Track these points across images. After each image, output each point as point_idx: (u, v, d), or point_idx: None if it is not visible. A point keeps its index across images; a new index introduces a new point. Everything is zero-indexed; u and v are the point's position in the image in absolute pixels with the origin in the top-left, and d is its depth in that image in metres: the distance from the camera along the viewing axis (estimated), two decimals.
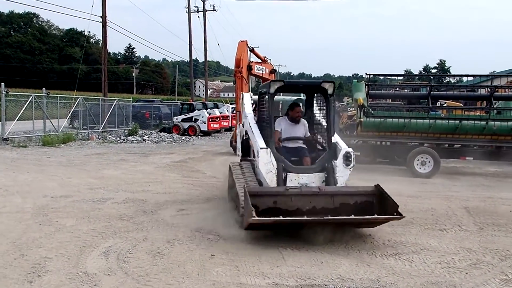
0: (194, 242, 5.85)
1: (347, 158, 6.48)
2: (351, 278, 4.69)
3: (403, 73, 58.58)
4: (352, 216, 5.57)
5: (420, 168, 12.12)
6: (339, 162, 6.46)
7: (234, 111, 17.51)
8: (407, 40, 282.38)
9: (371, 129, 12.53)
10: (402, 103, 16.44)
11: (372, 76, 14.41)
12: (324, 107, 7.14)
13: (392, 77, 18.75)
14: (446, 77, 61.45)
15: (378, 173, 11.53)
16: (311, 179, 6.40)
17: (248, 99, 8.36)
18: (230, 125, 27.55)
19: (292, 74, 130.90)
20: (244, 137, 8.02)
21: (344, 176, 6.45)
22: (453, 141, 12.82)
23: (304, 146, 7.18)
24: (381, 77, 16.27)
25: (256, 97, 8.52)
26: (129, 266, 4.98)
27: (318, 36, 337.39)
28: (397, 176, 11.70)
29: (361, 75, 14.06)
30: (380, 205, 5.89)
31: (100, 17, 25.15)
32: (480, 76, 22.30)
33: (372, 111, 13.13)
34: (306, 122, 7.45)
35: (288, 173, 6.32)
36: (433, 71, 79.51)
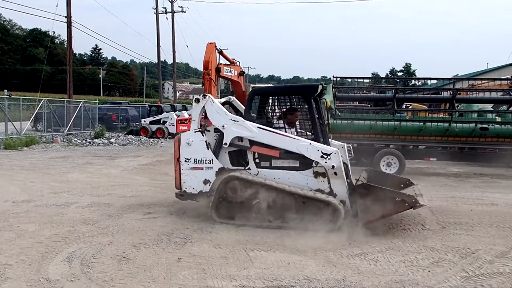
0: (161, 245, 5.78)
1: (350, 151, 7.60)
2: (317, 279, 4.73)
3: (370, 75, 59.64)
4: None
5: (386, 169, 12.37)
6: (347, 156, 7.41)
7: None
8: (375, 43, 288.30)
9: (339, 131, 12.67)
10: (369, 105, 16.74)
11: (339, 78, 14.63)
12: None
13: (359, 80, 19.09)
14: (412, 80, 62.88)
15: None
16: None
17: (218, 103, 7.09)
18: None
19: (261, 76, 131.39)
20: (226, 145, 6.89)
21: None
22: (418, 143, 13.16)
23: None
24: (349, 80, 16.55)
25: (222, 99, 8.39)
26: (93, 272, 4.87)
27: (287, 38, 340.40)
28: None
29: (330, 78, 14.28)
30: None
31: (65, 17, 24.60)
32: (443, 79, 23.03)
33: (339, 113, 13.32)
34: None
35: None
36: (399, 74, 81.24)
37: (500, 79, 19.16)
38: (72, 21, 24.70)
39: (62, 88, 36.94)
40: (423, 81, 22.42)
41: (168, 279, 4.70)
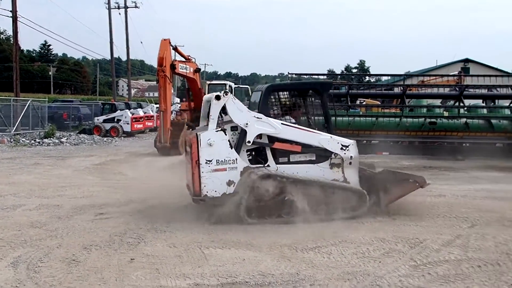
0: (113, 246, 5.63)
1: None
2: (272, 274, 4.75)
3: (326, 72, 60.66)
4: None
5: None
6: None
7: (158, 111, 17.14)
8: (331, 40, 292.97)
9: None
10: None
11: (294, 75, 14.79)
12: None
13: (315, 76, 19.33)
14: (366, 77, 64.52)
15: None
16: None
17: (239, 101, 6.84)
18: (155, 125, 26.94)
19: (219, 73, 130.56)
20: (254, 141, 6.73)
21: None
22: (371, 137, 13.49)
23: None
24: (305, 76, 16.72)
25: (207, 96, 8.20)
26: (40, 276, 4.68)
27: (245, 35, 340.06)
28: None
29: (286, 74, 14.40)
30: None
31: (11, 11, 23.51)
32: (395, 75, 23.74)
33: None
34: None
35: None
36: (354, 70, 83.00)
37: (447, 75, 19.96)
38: (18, 16, 23.66)
39: (9, 86, 35.32)
40: (376, 77, 23.04)
41: (120, 280, 4.59)
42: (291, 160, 6.95)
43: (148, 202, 8.03)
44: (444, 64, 37.38)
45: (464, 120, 13.61)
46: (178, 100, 38.61)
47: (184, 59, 17.97)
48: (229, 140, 6.64)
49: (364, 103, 18.41)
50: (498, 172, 12.12)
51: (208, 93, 20.29)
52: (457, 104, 14.49)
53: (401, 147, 13.65)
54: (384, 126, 13.17)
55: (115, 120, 24.79)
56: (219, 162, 6.55)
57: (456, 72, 22.31)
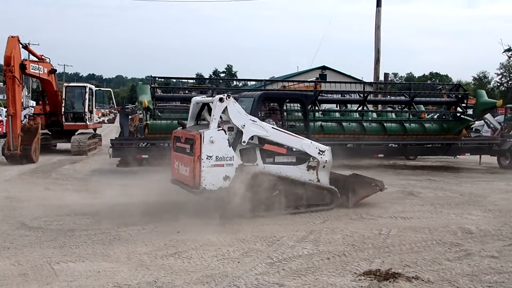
0: None
1: None
2: (128, 284, 4.55)
3: (194, 76, 60.77)
4: None
5: None
6: None
7: (7, 115, 15.39)
8: (199, 44, 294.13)
9: (159, 131, 12.52)
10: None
11: (157, 78, 14.48)
12: None
13: (184, 80, 19.20)
14: (234, 81, 66.05)
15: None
16: None
17: (238, 104, 7.40)
18: (4, 131, 24.16)
19: (81, 75, 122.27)
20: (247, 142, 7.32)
21: None
22: None
23: None
24: (174, 80, 16.48)
25: (197, 99, 8.51)
26: None
27: (110, 35, 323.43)
28: None
29: (152, 77, 13.97)
30: None
31: None
32: (261, 80, 24.69)
33: (159, 113, 13.17)
34: None
35: None
36: (222, 75, 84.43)
37: (304, 81, 21.33)
38: None
39: None
40: (244, 82, 23.66)
41: None
42: (275, 161, 7.69)
43: None
44: (305, 70, 39.93)
45: (319, 123, 14.66)
46: (33, 103, 35.33)
47: (37, 59, 16.52)
48: (228, 139, 7.17)
49: None
50: (350, 170, 13.23)
51: (65, 96, 19.07)
52: (313, 108, 15.56)
53: None
54: None
55: None
56: (218, 158, 7.10)
57: (314, 78, 23.92)
